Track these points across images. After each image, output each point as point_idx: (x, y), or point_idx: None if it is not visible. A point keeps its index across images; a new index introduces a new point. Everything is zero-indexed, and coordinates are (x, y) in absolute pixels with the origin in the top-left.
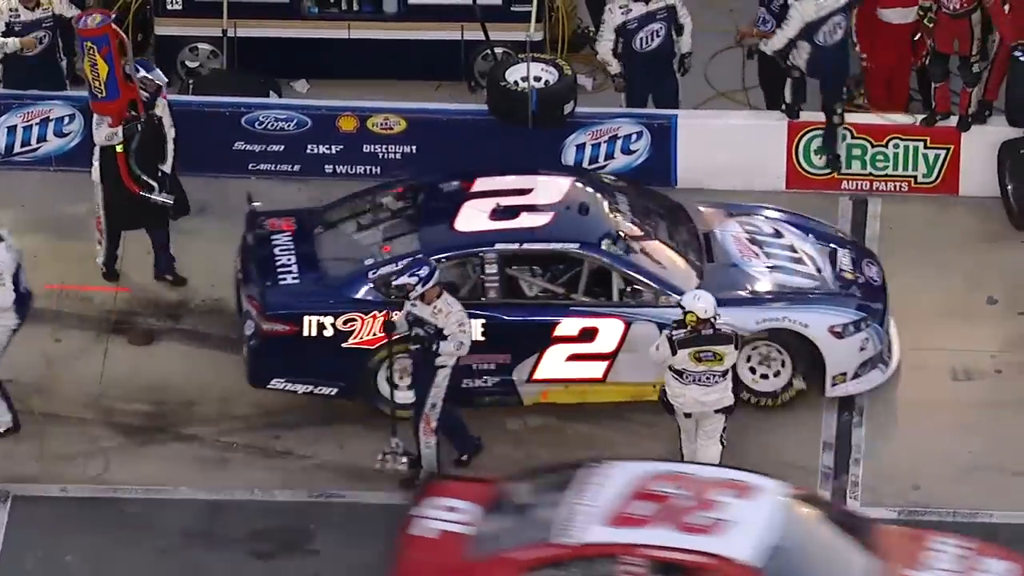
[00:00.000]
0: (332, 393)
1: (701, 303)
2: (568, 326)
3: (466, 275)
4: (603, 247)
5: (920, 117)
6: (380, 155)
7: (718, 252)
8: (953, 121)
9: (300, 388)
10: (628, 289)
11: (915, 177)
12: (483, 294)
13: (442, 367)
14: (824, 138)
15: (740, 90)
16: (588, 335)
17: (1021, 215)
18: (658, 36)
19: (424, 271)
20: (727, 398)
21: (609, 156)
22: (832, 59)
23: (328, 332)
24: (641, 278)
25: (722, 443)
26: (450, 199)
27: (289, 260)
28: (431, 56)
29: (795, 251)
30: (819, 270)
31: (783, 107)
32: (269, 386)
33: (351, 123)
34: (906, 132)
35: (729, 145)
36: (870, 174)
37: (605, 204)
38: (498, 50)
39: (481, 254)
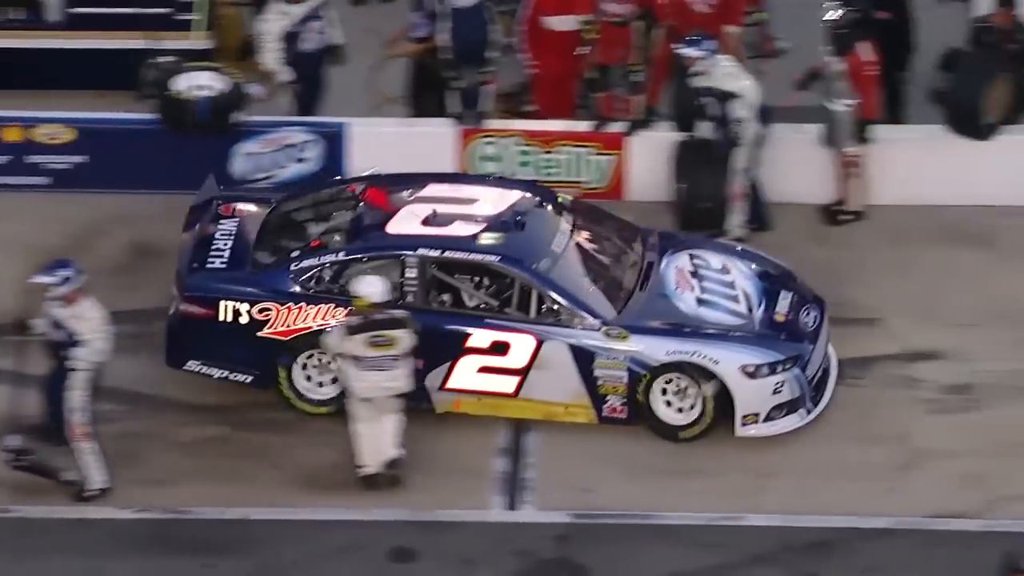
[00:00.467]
0: (247, 381)
1: (371, 288)
2: (480, 338)
3: (392, 277)
4: (525, 263)
5: (592, 123)
6: (48, 166)
7: (654, 281)
8: (621, 127)
9: (216, 373)
10: (545, 307)
11: (586, 182)
12: (402, 298)
13: (76, 371)
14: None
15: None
16: (500, 348)
17: (690, 215)
18: (320, 34)
19: (68, 271)
20: (406, 383)
21: (280, 165)
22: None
23: (243, 319)
24: (558, 297)
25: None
26: (395, 201)
27: (225, 245)
28: (97, 65)
29: (733, 288)
30: (751, 310)
31: (455, 114)
32: (185, 368)
33: (16, 134)
34: (576, 138)
35: (400, 152)
36: (541, 180)
37: (547, 222)
38: (166, 59)
39: (403, 257)
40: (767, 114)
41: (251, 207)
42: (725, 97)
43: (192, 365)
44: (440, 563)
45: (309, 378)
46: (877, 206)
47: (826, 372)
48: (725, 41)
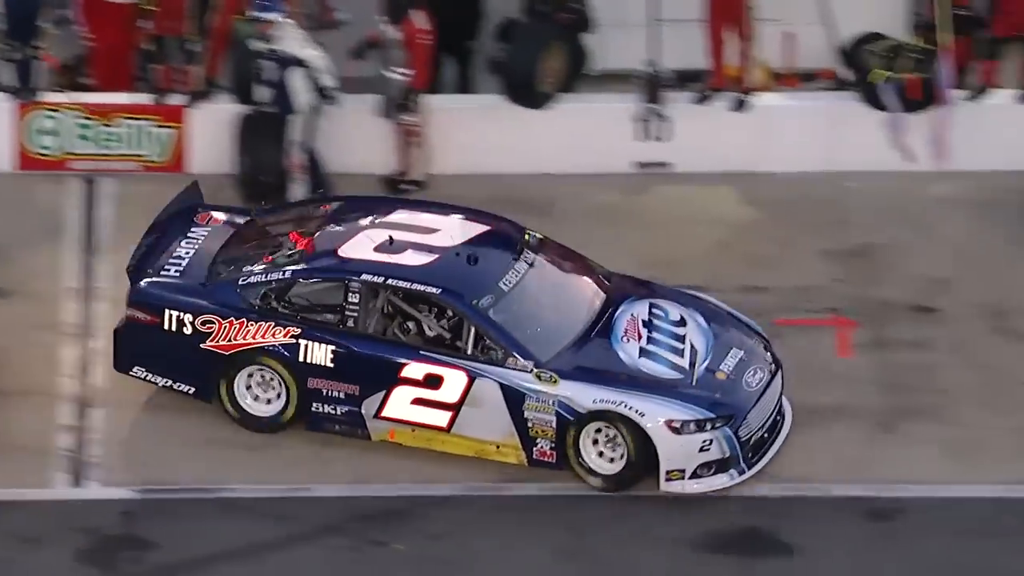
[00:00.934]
0: (189, 392)
1: None
2: (414, 369)
3: (328, 298)
4: (465, 298)
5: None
6: None
7: (603, 327)
8: (182, 99)
9: (159, 380)
10: (482, 345)
11: (146, 156)
12: (342, 321)
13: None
14: None
15: None
16: (433, 382)
17: (251, 188)
18: None
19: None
20: None
21: None
22: None
23: (187, 330)
24: (494, 335)
25: None
26: (354, 224)
27: (186, 254)
28: None
29: (682, 342)
30: (692, 364)
31: (10, 88)
32: (131, 373)
33: None
34: (136, 111)
35: None
36: (101, 154)
37: (502, 258)
38: None
39: (347, 280)
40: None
41: (228, 217)
42: (288, 63)
43: (137, 371)
44: (2, 543)
45: (256, 397)
46: (439, 175)
47: (772, 432)
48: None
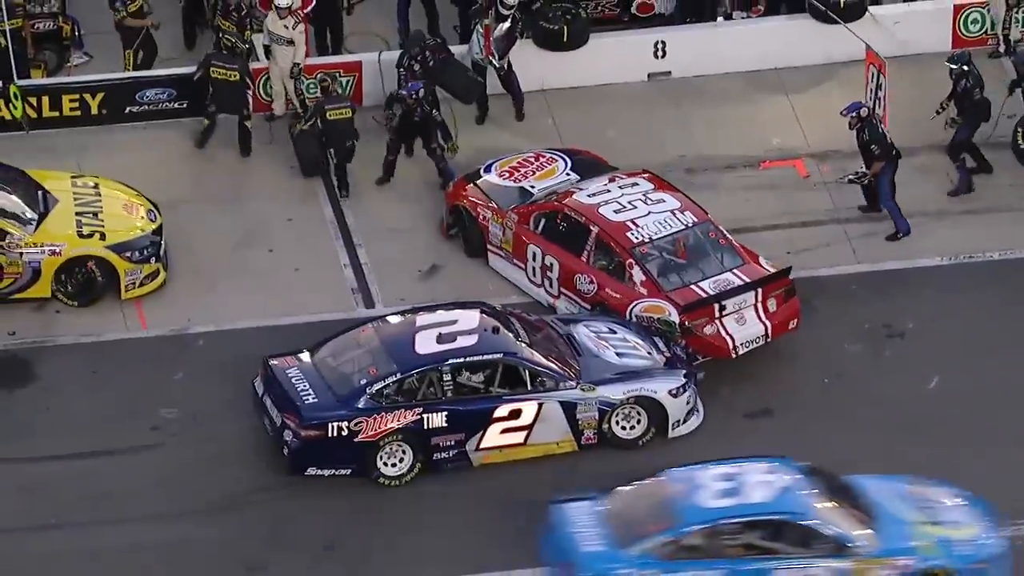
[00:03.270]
0: (348, 473)
1: None
2: (502, 410)
3: (428, 383)
4: (518, 355)
5: None
6: None
7: (581, 347)
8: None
9: (326, 472)
10: (538, 380)
11: None
12: (443, 395)
13: None
14: None
15: None
16: (515, 414)
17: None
18: None
19: None
20: None
21: None
22: None
23: (344, 432)
24: (546, 371)
25: None
26: (404, 332)
27: (305, 385)
28: None
29: (628, 341)
30: (649, 353)
31: None
32: (306, 473)
33: None
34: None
35: None
36: None
37: (506, 324)
38: None
39: (439, 367)
40: None
41: (293, 358)
42: None
43: (311, 471)
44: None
45: (386, 464)
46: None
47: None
48: None
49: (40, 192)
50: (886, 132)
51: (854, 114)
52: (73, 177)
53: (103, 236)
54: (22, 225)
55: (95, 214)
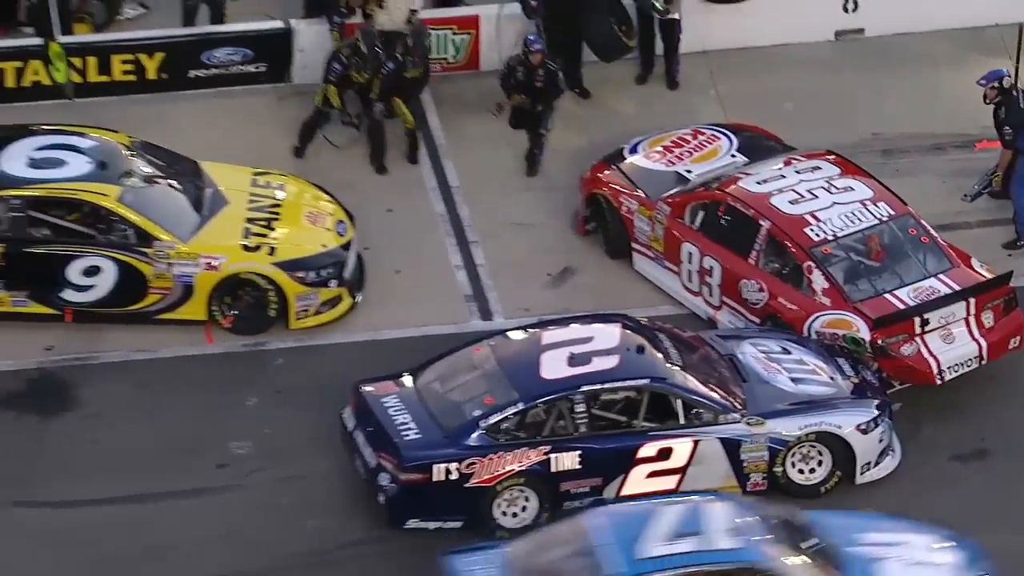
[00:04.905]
0: (458, 526)
1: None
2: (648, 449)
3: (557, 414)
4: (668, 381)
5: None
6: None
7: (747, 371)
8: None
9: (431, 525)
10: (692, 412)
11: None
12: (575, 430)
13: None
14: None
15: None
16: (665, 454)
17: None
18: None
19: None
20: None
21: None
22: None
23: (453, 476)
24: (703, 401)
25: None
26: (528, 352)
27: (405, 417)
28: None
29: (805, 364)
30: (832, 379)
31: None
32: (406, 526)
33: None
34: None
35: None
36: None
37: (653, 343)
38: None
39: (570, 396)
40: None
41: (391, 383)
42: None
43: (412, 523)
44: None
45: (505, 513)
46: None
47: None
48: None
49: (209, 190)
50: None
51: (994, 83)
52: (256, 174)
53: (272, 250)
54: (175, 230)
55: (268, 222)
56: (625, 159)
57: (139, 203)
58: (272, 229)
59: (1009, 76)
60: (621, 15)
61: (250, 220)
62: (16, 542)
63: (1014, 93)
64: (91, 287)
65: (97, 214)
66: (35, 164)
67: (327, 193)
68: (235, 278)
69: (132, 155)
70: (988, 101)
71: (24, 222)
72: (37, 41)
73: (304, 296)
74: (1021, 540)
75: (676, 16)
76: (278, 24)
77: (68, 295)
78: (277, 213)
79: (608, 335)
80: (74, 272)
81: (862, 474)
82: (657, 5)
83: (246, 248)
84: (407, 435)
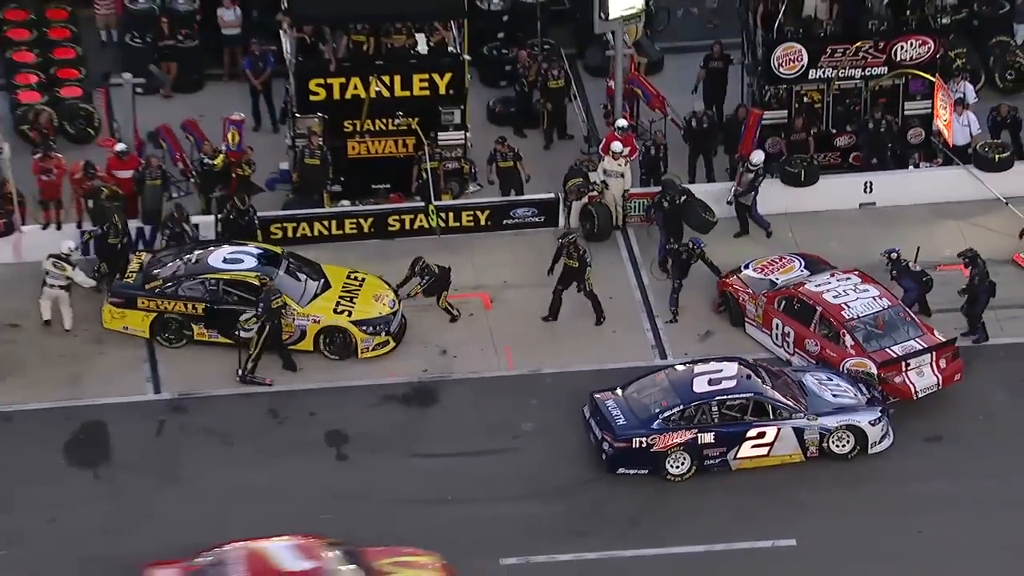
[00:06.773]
0: (644, 472)
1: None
2: (752, 432)
3: (702, 412)
4: (764, 395)
5: None
6: None
7: (808, 390)
8: None
9: (632, 471)
10: (778, 411)
11: None
12: (711, 420)
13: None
14: None
15: None
16: (761, 435)
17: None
18: None
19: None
20: None
21: None
22: None
23: (644, 445)
24: (783, 406)
25: None
26: (686, 376)
27: (618, 411)
28: None
29: (842, 386)
30: (856, 395)
31: None
32: (618, 472)
33: None
34: None
35: None
36: None
37: (756, 373)
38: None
39: (710, 402)
40: None
41: (611, 393)
42: None
43: (622, 470)
44: None
45: (671, 466)
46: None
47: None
48: None
49: (323, 280)
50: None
51: (891, 255)
52: (350, 272)
53: (350, 313)
54: (298, 300)
55: (351, 298)
56: (742, 271)
57: (280, 285)
58: (352, 302)
59: (896, 251)
60: (703, 205)
61: (341, 297)
62: (414, 482)
63: (903, 263)
64: (250, 329)
65: (256, 290)
66: (226, 260)
67: (387, 283)
68: (328, 327)
69: (284, 258)
70: (886, 268)
71: (218, 291)
72: (421, 204)
73: (365, 340)
74: (962, 483)
75: (747, 203)
76: (551, 195)
77: (241, 333)
78: (358, 293)
79: (731, 369)
80: (243, 320)
81: (872, 448)
82: (729, 199)
83: (335, 312)
84: (619, 421)
